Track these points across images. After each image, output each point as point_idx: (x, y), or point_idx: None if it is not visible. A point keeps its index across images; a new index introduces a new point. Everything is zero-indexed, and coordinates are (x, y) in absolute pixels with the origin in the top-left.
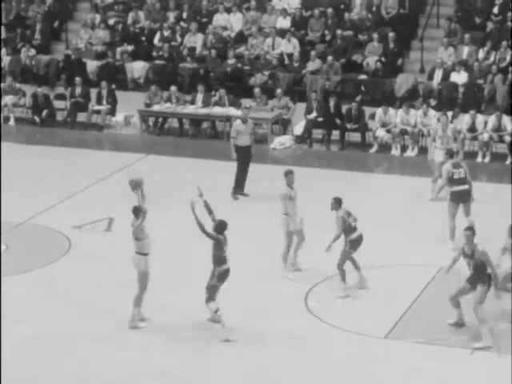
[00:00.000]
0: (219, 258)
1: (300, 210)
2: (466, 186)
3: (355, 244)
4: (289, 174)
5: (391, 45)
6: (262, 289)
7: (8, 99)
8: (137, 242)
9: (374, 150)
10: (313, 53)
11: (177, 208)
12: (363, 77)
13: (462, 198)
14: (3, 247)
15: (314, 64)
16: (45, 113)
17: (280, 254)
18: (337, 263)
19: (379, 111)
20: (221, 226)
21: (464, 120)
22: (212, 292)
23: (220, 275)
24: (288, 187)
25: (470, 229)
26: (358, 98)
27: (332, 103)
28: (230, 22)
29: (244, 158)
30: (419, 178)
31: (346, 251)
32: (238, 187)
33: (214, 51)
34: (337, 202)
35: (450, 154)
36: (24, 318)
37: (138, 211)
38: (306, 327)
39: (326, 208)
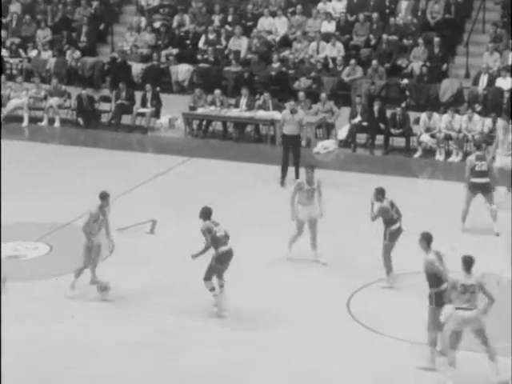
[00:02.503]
0: (215, 241)
1: (343, 213)
2: (485, 179)
3: (394, 235)
4: (307, 169)
5: (436, 50)
6: (306, 293)
7: (53, 101)
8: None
9: (418, 154)
10: (352, 61)
11: (219, 210)
12: (407, 81)
13: (481, 190)
14: (47, 248)
15: (354, 72)
16: (90, 114)
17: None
18: (382, 258)
19: (424, 116)
20: (204, 213)
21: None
22: (209, 272)
23: (218, 257)
24: (305, 180)
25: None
26: (403, 104)
27: (376, 108)
28: (275, 25)
29: (287, 146)
30: (463, 184)
31: (385, 244)
32: (282, 175)
33: (257, 55)
34: (379, 193)
35: (478, 145)
36: (65, 318)
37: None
38: (351, 334)
39: (368, 212)
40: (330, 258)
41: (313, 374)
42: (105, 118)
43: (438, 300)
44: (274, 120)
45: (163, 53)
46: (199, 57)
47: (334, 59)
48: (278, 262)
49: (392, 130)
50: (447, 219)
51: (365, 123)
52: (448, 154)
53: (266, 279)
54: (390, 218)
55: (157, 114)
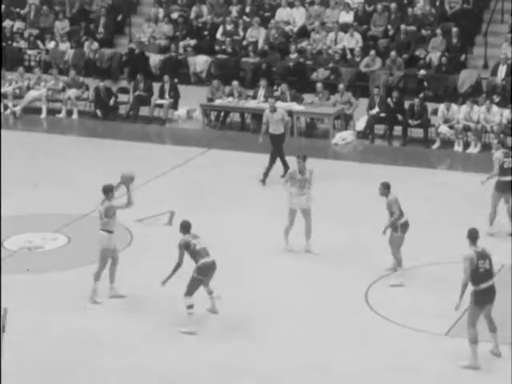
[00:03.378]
0: (194, 254)
1: (361, 205)
2: (511, 177)
3: (405, 227)
4: (299, 159)
5: (454, 40)
6: (321, 284)
7: (71, 92)
8: (105, 220)
9: (436, 146)
10: (372, 52)
11: (238, 202)
12: (424, 72)
13: (507, 188)
14: (66, 239)
15: (373, 63)
16: (111, 102)
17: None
18: (391, 252)
19: (442, 107)
20: (183, 227)
21: None
22: (191, 285)
23: (199, 269)
24: (297, 170)
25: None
26: (421, 95)
27: (394, 99)
28: (293, 16)
29: (274, 145)
30: (482, 175)
31: (397, 236)
32: (265, 174)
33: (275, 46)
34: (385, 187)
35: (503, 142)
36: (83, 309)
37: (107, 191)
38: (368, 323)
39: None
40: (346, 248)
41: (327, 362)
42: (123, 110)
43: (476, 298)
44: (292, 111)
45: (181, 44)
46: (217, 48)
47: (351, 50)
48: (299, 253)
49: (410, 121)
50: (466, 210)
51: (383, 114)
52: (466, 145)
53: (284, 269)
54: (397, 209)
55: (175, 106)
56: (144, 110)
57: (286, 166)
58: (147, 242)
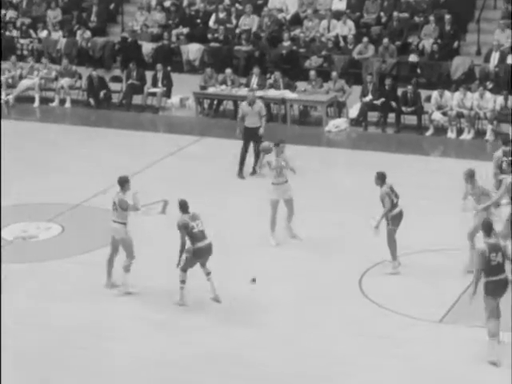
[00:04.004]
0: (192, 236)
1: (354, 192)
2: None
3: (396, 219)
4: (275, 146)
5: (447, 27)
6: (315, 272)
7: (64, 81)
8: (120, 212)
9: (429, 132)
10: (365, 39)
11: (230, 189)
12: (416, 58)
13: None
14: (59, 228)
15: (366, 50)
16: (102, 94)
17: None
18: (387, 242)
19: (435, 94)
20: (181, 206)
21: None
22: (186, 264)
23: (194, 252)
24: (274, 158)
25: (466, 173)
26: (413, 81)
27: (387, 86)
28: (286, 4)
29: (248, 139)
30: (475, 162)
31: (389, 229)
32: (240, 167)
33: (267, 33)
34: (379, 178)
35: (505, 140)
36: (78, 299)
37: (123, 182)
38: (361, 311)
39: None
40: (340, 236)
41: (322, 351)
42: (116, 98)
43: (488, 288)
44: (285, 99)
45: (174, 32)
46: (210, 36)
47: (344, 37)
48: (289, 242)
49: (403, 108)
50: (459, 197)
51: (376, 101)
52: (460, 131)
53: (276, 257)
54: (389, 202)
55: (168, 94)
56: (137, 99)
57: (244, 165)
58: (140, 231)
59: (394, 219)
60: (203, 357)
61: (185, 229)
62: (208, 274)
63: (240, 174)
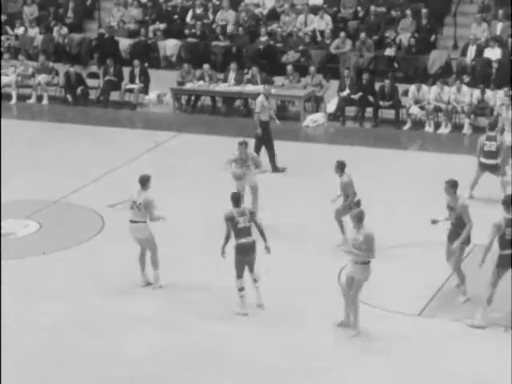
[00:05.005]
0: (235, 232)
1: (332, 187)
2: (493, 161)
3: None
4: (239, 146)
5: (424, 21)
6: (298, 268)
7: (41, 78)
8: (143, 212)
9: (407, 127)
10: (342, 34)
11: (208, 185)
12: (393, 52)
13: (490, 170)
14: (37, 225)
15: (343, 45)
16: (78, 91)
17: None
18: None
19: (412, 88)
20: (233, 199)
21: (497, 96)
22: (236, 267)
23: (237, 248)
24: (239, 156)
25: (448, 182)
26: (390, 75)
27: (365, 80)
28: None
29: (267, 132)
30: (453, 155)
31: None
32: (274, 161)
33: (244, 28)
34: (339, 166)
35: (491, 127)
36: (58, 296)
37: (144, 181)
38: (339, 305)
39: (358, 185)
40: (317, 229)
41: (301, 347)
42: (93, 95)
43: (500, 261)
44: None
45: (151, 28)
46: (187, 31)
47: (322, 32)
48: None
49: (381, 103)
50: (437, 190)
51: (354, 96)
52: (437, 125)
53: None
54: (352, 191)
55: (145, 90)
56: (114, 95)
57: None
58: (119, 227)
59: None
60: (189, 352)
61: (230, 221)
62: (255, 281)
63: (275, 168)
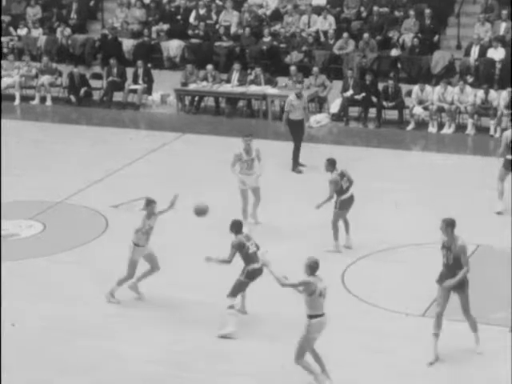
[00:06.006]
0: (246, 258)
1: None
2: None
3: (345, 204)
4: (244, 138)
5: (427, 21)
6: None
7: (45, 79)
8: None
9: (410, 127)
10: (345, 34)
11: (212, 187)
12: (397, 53)
13: None
14: (41, 226)
15: (346, 46)
16: (82, 92)
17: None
18: (331, 224)
19: (416, 88)
20: (236, 226)
21: (501, 96)
22: (237, 288)
23: (248, 273)
24: (243, 151)
25: (445, 220)
26: (391, 75)
27: (368, 81)
28: None
29: (297, 131)
30: (456, 156)
31: (335, 212)
32: (295, 161)
33: (248, 29)
34: (330, 164)
35: None
36: (61, 297)
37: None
38: (343, 305)
39: (362, 185)
40: (320, 230)
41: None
42: (97, 96)
43: None
44: (266, 95)
45: (154, 29)
46: (190, 32)
47: (325, 32)
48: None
49: (384, 103)
50: (441, 191)
51: (357, 96)
52: (441, 126)
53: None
54: (339, 188)
55: (148, 91)
56: (118, 96)
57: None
58: (123, 228)
59: (343, 203)
60: (190, 354)
61: (240, 249)
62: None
63: (296, 168)
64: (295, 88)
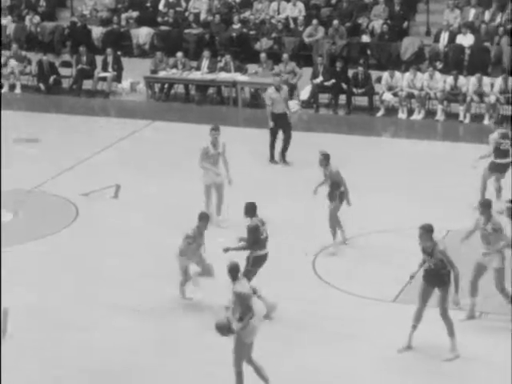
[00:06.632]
0: (257, 242)
1: (306, 175)
2: (508, 159)
3: (342, 197)
4: (212, 131)
5: (397, 7)
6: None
7: (14, 65)
8: None
9: (380, 113)
10: (314, 21)
11: (182, 173)
12: (368, 39)
13: (500, 170)
14: (11, 215)
15: (316, 32)
16: (51, 80)
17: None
18: (329, 220)
19: (385, 75)
20: (251, 209)
21: (470, 82)
22: (247, 275)
23: (255, 259)
24: (210, 144)
25: (423, 227)
26: (361, 61)
27: (338, 67)
28: None
29: (281, 125)
30: (426, 142)
31: (335, 206)
32: (272, 154)
33: (217, 16)
34: (325, 158)
35: (499, 122)
36: (32, 285)
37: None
38: (315, 292)
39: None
40: (291, 219)
41: (276, 333)
42: (66, 84)
43: None
44: (236, 82)
45: (123, 16)
46: (160, 19)
47: (295, 19)
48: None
49: (354, 90)
50: (410, 176)
51: (327, 83)
52: (410, 112)
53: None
54: (339, 180)
55: (118, 78)
56: (87, 84)
57: (274, 151)
58: (93, 216)
59: (342, 196)
60: (165, 343)
61: (255, 232)
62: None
63: (272, 159)
64: (269, 76)
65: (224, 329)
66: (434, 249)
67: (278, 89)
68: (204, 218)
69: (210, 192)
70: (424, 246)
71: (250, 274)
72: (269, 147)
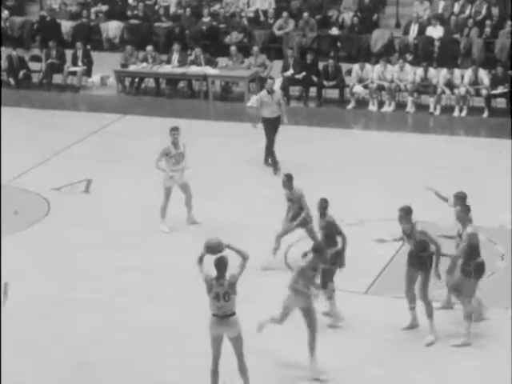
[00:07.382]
0: (330, 241)
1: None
2: None
3: None
4: (172, 131)
5: (367, 0)
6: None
7: None
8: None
9: (351, 106)
10: (284, 14)
11: (153, 167)
12: (338, 32)
13: None
14: None
15: (286, 25)
16: (21, 74)
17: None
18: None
19: (356, 67)
20: (320, 251)
21: (441, 74)
22: (326, 277)
23: (332, 258)
24: (171, 144)
25: (402, 209)
26: (331, 54)
27: (309, 60)
28: None
29: (270, 129)
30: (396, 134)
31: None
32: (267, 157)
33: (187, 9)
34: (289, 179)
35: None
36: (5, 280)
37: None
38: (285, 285)
39: (304, 164)
40: (260, 208)
41: (248, 326)
42: (36, 78)
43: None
44: (207, 75)
45: (93, 10)
46: (129, 13)
47: (264, 12)
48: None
49: (325, 82)
50: (381, 168)
51: (297, 76)
52: (381, 104)
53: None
54: (303, 205)
55: (88, 73)
56: (57, 78)
57: (271, 154)
58: (65, 211)
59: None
60: (139, 336)
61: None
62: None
63: (265, 162)
64: (239, 69)
65: (216, 249)
66: (413, 231)
67: (270, 92)
68: (320, 252)
69: (169, 194)
70: (403, 228)
71: (329, 273)
72: (269, 154)
